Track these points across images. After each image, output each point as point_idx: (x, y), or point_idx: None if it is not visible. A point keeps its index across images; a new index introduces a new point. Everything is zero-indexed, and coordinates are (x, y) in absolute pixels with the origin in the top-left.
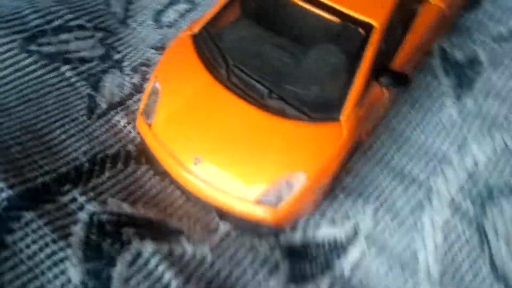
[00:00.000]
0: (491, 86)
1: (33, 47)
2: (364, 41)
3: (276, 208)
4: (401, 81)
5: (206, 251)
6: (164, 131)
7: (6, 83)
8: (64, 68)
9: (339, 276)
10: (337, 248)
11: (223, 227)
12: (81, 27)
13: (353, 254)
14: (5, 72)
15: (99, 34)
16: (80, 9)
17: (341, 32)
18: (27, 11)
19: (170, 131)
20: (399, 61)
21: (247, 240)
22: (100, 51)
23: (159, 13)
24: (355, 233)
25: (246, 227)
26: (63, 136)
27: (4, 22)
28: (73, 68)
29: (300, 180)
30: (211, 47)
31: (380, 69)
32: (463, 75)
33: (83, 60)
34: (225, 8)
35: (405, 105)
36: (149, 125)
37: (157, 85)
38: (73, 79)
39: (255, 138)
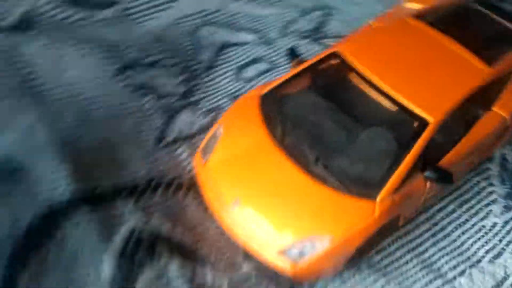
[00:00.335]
0: None
1: (124, 77)
2: (417, 133)
3: (297, 263)
4: (444, 178)
5: (224, 284)
6: (215, 171)
7: (96, 102)
8: (145, 99)
9: None
10: None
11: (246, 266)
12: (170, 66)
13: None
14: (97, 93)
15: (184, 76)
16: (173, 50)
17: (396, 120)
18: (128, 43)
19: (220, 171)
20: (450, 159)
21: (264, 284)
22: (181, 90)
23: (240, 68)
24: None
25: (267, 273)
26: (130, 157)
27: (106, 51)
28: (154, 100)
29: (324, 243)
30: (274, 108)
31: (427, 163)
32: None
33: (163, 96)
34: (296, 76)
35: (453, 204)
36: (204, 163)
37: (220, 130)
38: (151, 111)
39: (293, 196)
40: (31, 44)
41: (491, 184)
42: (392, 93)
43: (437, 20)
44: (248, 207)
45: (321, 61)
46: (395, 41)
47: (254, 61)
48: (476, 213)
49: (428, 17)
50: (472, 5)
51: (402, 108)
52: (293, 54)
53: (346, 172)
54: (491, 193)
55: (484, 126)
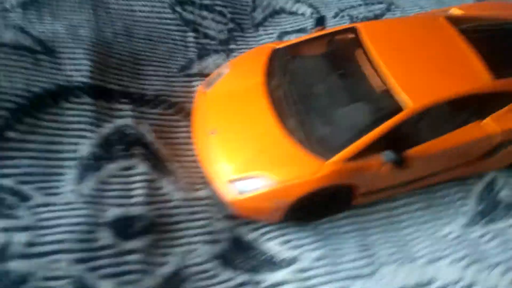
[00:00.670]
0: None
1: (178, 9)
2: (391, 114)
3: (239, 196)
4: (398, 162)
5: (175, 197)
6: (208, 101)
7: (145, 21)
8: (189, 34)
9: (256, 282)
10: (272, 264)
11: (203, 192)
12: (221, 13)
13: (278, 277)
14: (150, 14)
15: (231, 25)
16: (231, 2)
17: (382, 99)
18: None
19: (212, 102)
20: (420, 151)
21: (212, 211)
22: (223, 36)
23: (284, 34)
24: (291, 263)
25: (216, 203)
26: (152, 72)
27: None
28: (196, 38)
29: (265, 182)
30: (280, 62)
31: (390, 146)
32: (494, 213)
33: (207, 36)
34: (311, 40)
35: (421, 203)
36: (203, 92)
37: (227, 68)
38: (190, 44)
39: (259, 138)
40: None
41: (468, 198)
42: (384, 71)
43: (468, 26)
44: (220, 137)
45: (338, 32)
46: (413, 31)
47: (299, 31)
48: (439, 218)
49: (460, 22)
50: None
51: (388, 87)
52: (320, 22)
53: (314, 132)
54: (463, 206)
55: (468, 133)
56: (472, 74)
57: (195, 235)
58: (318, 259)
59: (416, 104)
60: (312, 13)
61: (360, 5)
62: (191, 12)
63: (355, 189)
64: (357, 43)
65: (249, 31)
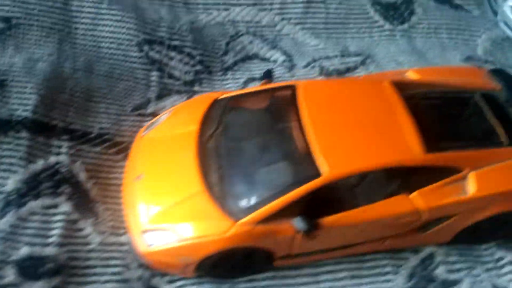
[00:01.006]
0: None
1: (145, 48)
2: (310, 178)
3: (148, 248)
4: (307, 230)
5: (94, 240)
6: (143, 145)
7: (110, 57)
8: (153, 73)
9: None
10: None
11: (124, 238)
12: (190, 55)
13: None
14: (115, 51)
15: (199, 67)
16: (201, 43)
17: (306, 162)
18: (163, 24)
19: (145, 147)
20: (336, 220)
21: (130, 259)
22: (189, 78)
23: (251, 80)
24: None
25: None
26: (103, 110)
27: (142, 21)
28: (160, 77)
29: (173, 237)
30: (218, 113)
31: (303, 212)
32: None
33: (171, 76)
34: (253, 94)
35: (347, 272)
36: (142, 136)
37: (168, 114)
38: (152, 84)
39: (179, 189)
40: None
41: (397, 272)
42: (309, 133)
43: (416, 92)
44: (143, 184)
45: (279, 88)
46: (353, 94)
47: (261, 78)
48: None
49: (409, 87)
50: (472, 95)
51: (310, 150)
52: (267, 75)
53: (230, 190)
54: (388, 281)
55: (394, 205)
56: (403, 146)
57: (107, 281)
58: None
59: (333, 172)
60: (283, 61)
61: (336, 56)
62: (159, 52)
63: (273, 252)
64: (293, 101)
65: (217, 74)
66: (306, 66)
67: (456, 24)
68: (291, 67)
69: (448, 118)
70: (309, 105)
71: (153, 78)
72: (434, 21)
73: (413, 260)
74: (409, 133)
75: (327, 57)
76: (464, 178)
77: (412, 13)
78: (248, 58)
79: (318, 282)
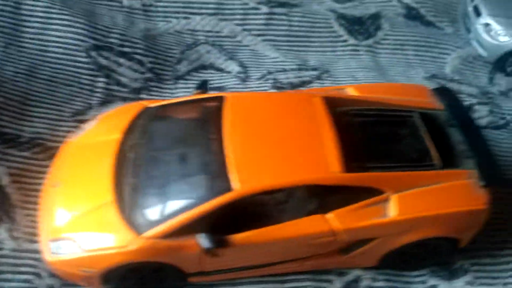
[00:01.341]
0: None
1: (93, 53)
2: (220, 193)
3: (55, 256)
4: (210, 248)
5: (6, 246)
6: (66, 152)
7: (55, 62)
8: (100, 79)
9: None
10: None
11: (39, 246)
12: (140, 62)
13: None
14: (62, 56)
15: (149, 75)
16: (155, 51)
17: (216, 174)
18: (115, 30)
19: (68, 154)
20: (244, 240)
21: (41, 267)
22: (137, 85)
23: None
24: None
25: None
26: (39, 114)
27: (93, 27)
28: (106, 83)
29: (76, 248)
30: (144, 122)
31: (214, 228)
32: None
33: (119, 83)
34: (182, 103)
35: None
36: (68, 142)
37: (95, 121)
38: (98, 90)
39: (91, 197)
40: None
41: None
42: (227, 147)
43: (349, 109)
44: (58, 191)
45: (208, 99)
46: (280, 108)
47: (218, 89)
48: None
49: (342, 103)
50: (411, 114)
51: (225, 165)
52: (202, 86)
53: (139, 202)
54: None
55: (305, 226)
56: (321, 163)
57: None
58: None
59: (244, 187)
60: (238, 72)
61: (293, 69)
62: (107, 58)
63: (182, 268)
64: (218, 113)
65: (168, 82)
66: (260, 78)
67: (424, 41)
68: (245, 79)
69: (379, 137)
70: (232, 117)
71: (99, 85)
72: (401, 37)
73: (337, 283)
74: (330, 151)
75: (284, 70)
76: (386, 200)
77: (378, 28)
78: (203, 67)
79: None
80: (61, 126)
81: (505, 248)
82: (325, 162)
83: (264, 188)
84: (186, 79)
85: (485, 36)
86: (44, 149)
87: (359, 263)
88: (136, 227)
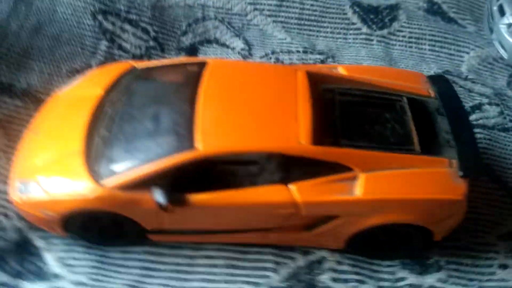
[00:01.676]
0: None
1: (100, 17)
2: (180, 151)
3: (18, 197)
4: (164, 203)
5: None
6: (50, 103)
7: (61, 21)
8: (103, 42)
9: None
10: (37, 276)
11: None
12: (144, 30)
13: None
14: (69, 17)
15: (152, 43)
16: (161, 21)
17: (183, 133)
18: None
19: (51, 105)
20: (203, 201)
21: (9, 208)
22: (139, 52)
23: None
24: (52, 280)
25: None
26: (37, 68)
27: None
28: (108, 47)
29: (39, 191)
30: (128, 80)
31: (173, 187)
32: None
33: (121, 48)
34: (169, 67)
35: (220, 261)
36: (55, 94)
37: (82, 76)
38: (99, 52)
39: (63, 145)
40: None
41: (275, 271)
42: (198, 108)
43: (335, 87)
44: (36, 136)
45: (192, 64)
46: (262, 78)
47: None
48: (232, 282)
49: (328, 80)
50: (399, 99)
51: (193, 125)
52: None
53: (104, 153)
54: (265, 277)
55: (266, 194)
56: (290, 133)
57: None
58: (78, 284)
59: (206, 148)
60: (242, 49)
61: (298, 51)
62: (113, 23)
63: (141, 223)
64: (198, 77)
65: (170, 53)
66: (262, 57)
67: (442, 37)
68: (247, 56)
69: (360, 117)
70: (210, 82)
71: (101, 47)
72: (418, 31)
73: (300, 262)
74: (302, 122)
75: (288, 51)
76: (353, 178)
77: (394, 19)
78: (207, 41)
79: (192, 265)
80: (56, 81)
81: (489, 252)
82: (294, 133)
83: (227, 151)
84: (189, 51)
85: (508, 37)
86: (36, 100)
87: (326, 244)
88: (97, 177)
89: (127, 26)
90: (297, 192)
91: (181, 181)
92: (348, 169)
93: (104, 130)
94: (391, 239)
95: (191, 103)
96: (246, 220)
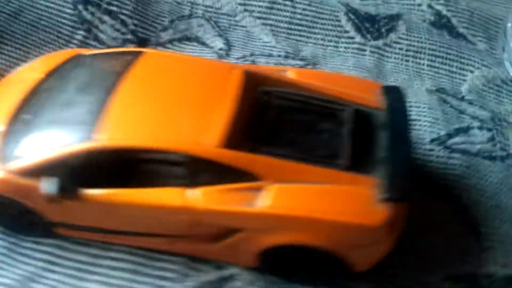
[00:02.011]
0: None
1: (80, 7)
2: (80, 141)
3: None
4: (52, 194)
5: None
6: (3, 82)
7: (42, 9)
8: (80, 32)
9: None
10: None
11: None
12: (123, 23)
13: None
14: (50, 4)
15: (129, 36)
16: (143, 15)
17: (87, 124)
18: None
19: (2, 84)
20: (93, 196)
21: None
22: (115, 44)
23: None
24: None
25: None
26: (6, 52)
27: None
28: (85, 37)
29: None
30: (70, 67)
31: (69, 177)
32: None
33: (97, 39)
34: (111, 54)
35: (124, 264)
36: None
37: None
38: (74, 41)
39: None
40: None
41: (179, 282)
42: (113, 99)
43: (273, 90)
44: None
45: (130, 53)
46: (192, 72)
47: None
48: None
49: (268, 83)
50: (343, 109)
51: (102, 115)
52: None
53: (17, 137)
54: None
55: (161, 196)
56: (200, 134)
57: None
58: None
59: (105, 140)
60: (220, 49)
61: (280, 56)
62: (92, 13)
63: (39, 212)
64: (128, 67)
65: (148, 47)
66: (239, 58)
67: (444, 52)
68: (224, 56)
69: (291, 123)
70: (137, 73)
71: (77, 37)
72: (417, 44)
73: (210, 276)
74: (217, 123)
75: (269, 55)
76: (259, 189)
77: (391, 30)
78: (187, 39)
79: (94, 265)
80: (21, 66)
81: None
82: (205, 134)
83: (126, 146)
84: (166, 47)
85: None
86: None
87: (237, 259)
88: (4, 159)
89: (106, 17)
90: (200, 197)
91: (81, 174)
92: (255, 178)
93: (26, 113)
94: (306, 263)
95: (109, 93)
96: (147, 223)
